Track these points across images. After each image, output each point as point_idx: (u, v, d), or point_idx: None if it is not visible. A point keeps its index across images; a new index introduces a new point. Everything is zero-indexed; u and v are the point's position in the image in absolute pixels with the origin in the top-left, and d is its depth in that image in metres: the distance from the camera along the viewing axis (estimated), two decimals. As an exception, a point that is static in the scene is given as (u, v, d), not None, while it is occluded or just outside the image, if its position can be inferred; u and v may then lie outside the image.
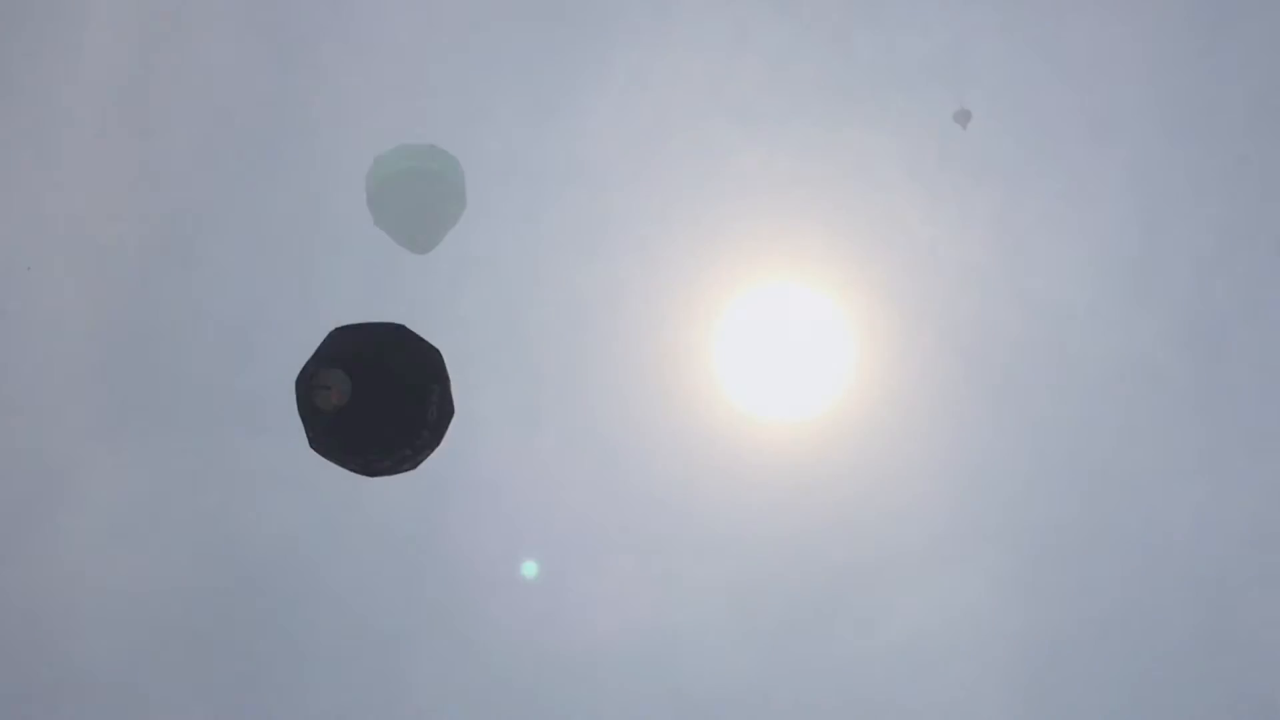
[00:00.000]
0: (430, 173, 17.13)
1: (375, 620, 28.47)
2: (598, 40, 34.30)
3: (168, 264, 30.24)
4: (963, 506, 30.13)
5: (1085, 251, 33.58)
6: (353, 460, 9.50)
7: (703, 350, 32.62)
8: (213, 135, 30.91)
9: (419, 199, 17.26)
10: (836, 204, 34.49)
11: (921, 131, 33.87)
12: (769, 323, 33.53)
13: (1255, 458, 30.31)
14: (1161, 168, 33.63)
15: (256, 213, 29.81)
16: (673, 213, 34.50)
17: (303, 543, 28.65)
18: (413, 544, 29.63)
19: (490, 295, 29.58)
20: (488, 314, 29.67)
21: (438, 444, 9.69)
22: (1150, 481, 30.90)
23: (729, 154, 35.27)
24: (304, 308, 28.67)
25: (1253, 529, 29.39)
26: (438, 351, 9.39)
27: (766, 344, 33.32)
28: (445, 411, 9.54)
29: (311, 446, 9.32)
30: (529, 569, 28.55)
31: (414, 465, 9.95)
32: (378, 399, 9.23)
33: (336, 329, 9.25)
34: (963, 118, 27.70)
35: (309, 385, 9.08)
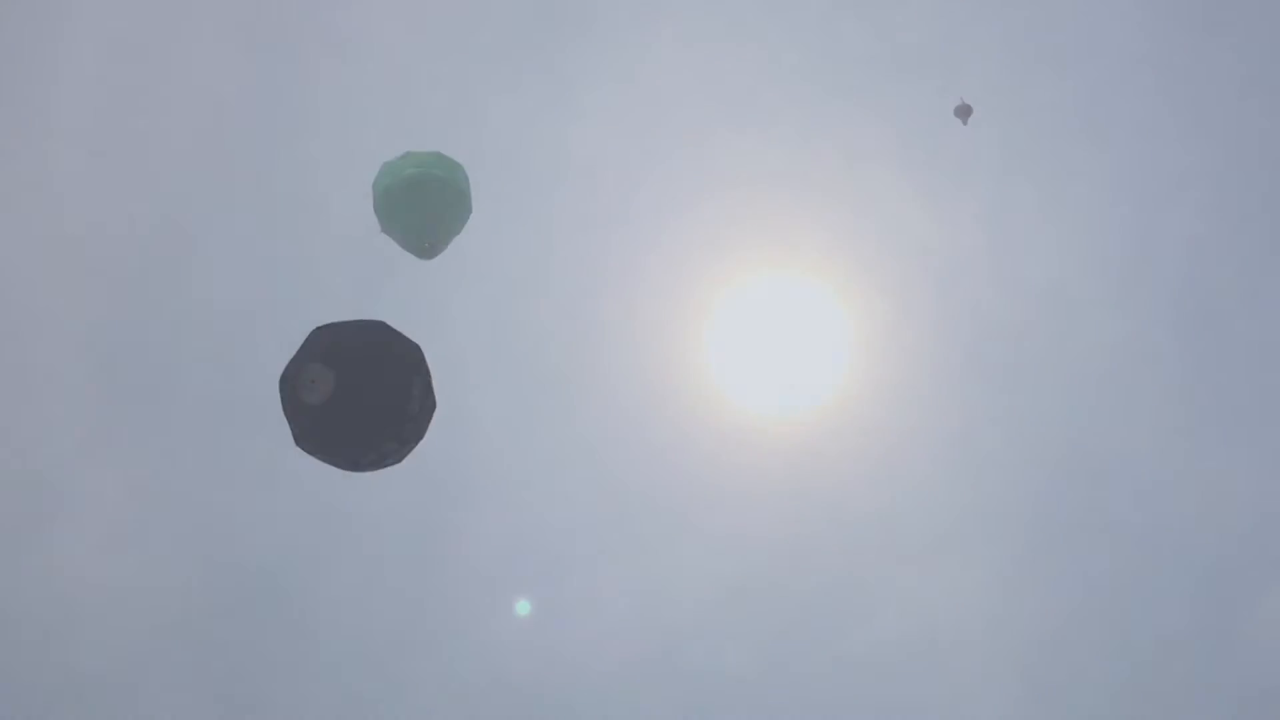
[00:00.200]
0: (436, 179, 17.28)
1: (374, 621, 28.74)
2: (584, 38, 34.58)
3: (170, 268, 30.47)
4: (962, 499, 30.43)
5: (1079, 237, 33.93)
6: (338, 456, 9.73)
7: (699, 348, 32.92)
8: (213, 139, 31.14)
9: (425, 206, 17.45)
10: (832, 198, 34.81)
11: (914, 121, 34.20)
12: (766, 318, 33.81)
13: (1256, 445, 30.61)
14: (1154, 149, 34.00)
15: (261, 221, 30.08)
16: (668, 210, 34.75)
17: (301, 544, 28.92)
18: (413, 545, 29.87)
19: (491, 298, 29.87)
20: (488, 316, 29.96)
21: (421, 437, 9.98)
22: (1151, 469, 31.20)
23: (724, 149, 35.54)
24: (312, 314, 28.94)
25: (1255, 515, 29.66)
26: (418, 346, 9.70)
27: (762, 340, 33.58)
28: (427, 404, 9.79)
29: (297, 444, 9.59)
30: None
31: (399, 459, 10.22)
32: (360, 394, 9.42)
33: (318, 328, 9.53)
34: (963, 113, 27.92)
35: (295, 381, 9.36)
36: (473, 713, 28.16)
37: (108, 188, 30.59)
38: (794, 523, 30.28)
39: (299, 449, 10.16)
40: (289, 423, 9.90)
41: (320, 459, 10.13)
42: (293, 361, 9.86)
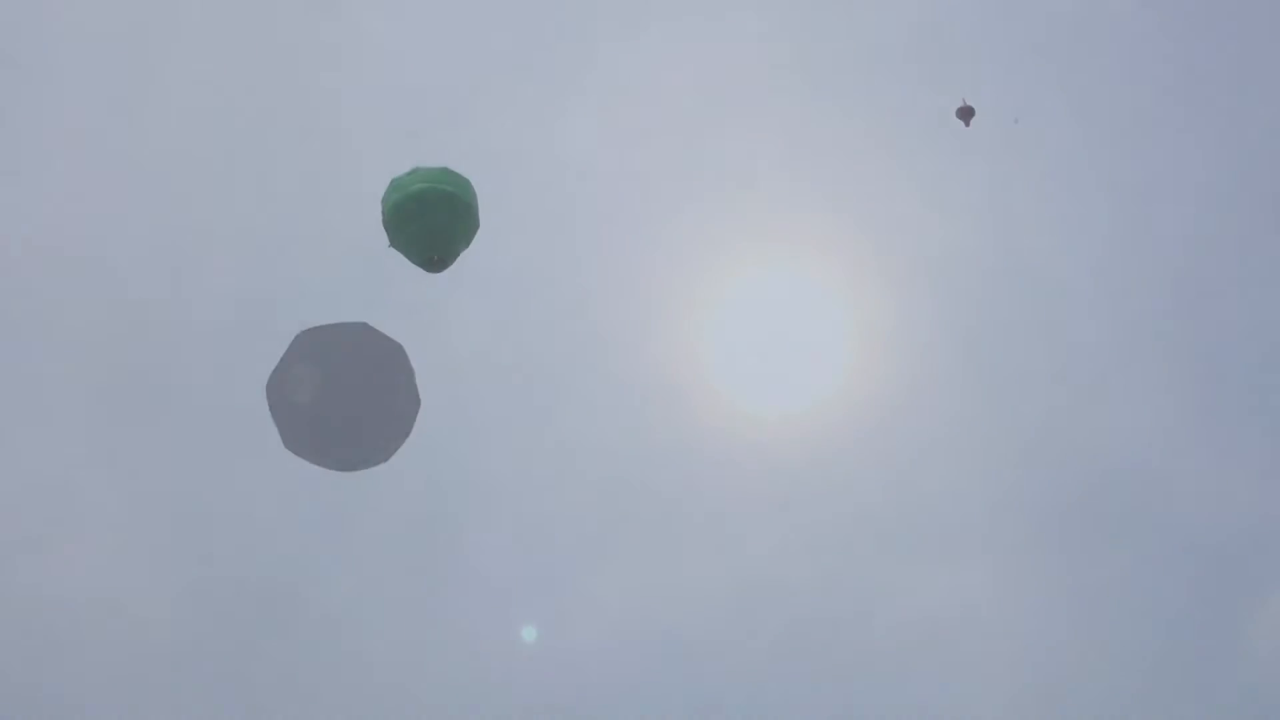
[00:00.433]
0: (444, 194, 17.31)
1: (376, 623, 28.66)
2: (574, 39, 34.39)
3: (175, 275, 30.29)
4: (966, 499, 30.42)
5: (1077, 225, 33.86)
6: (326, 456, 9.74)
7: (701, 350, 32.81)
8: (220, 151, 30.95)
9: (433, 220, 17.45)
10: (832, 198, 34.70)
11: (908, 114, 34.06)
12: (768, 318, 33.71)
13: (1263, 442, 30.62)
14: (1149, 134, 33.93)
15: (271, 234, 29.93)
16: (667, 211, 34.61)
17: (301, 550, 28.81)
18: (415, 546, 29.78)
19: (495, 307, 29.75)
20: (494, 325, 29.85)
21: (407, 434, 9.98)
22: (1152, 459, 31.21)
23: (721, 146, 35.39)
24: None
25: (1262, 508, 29.70)
26: (400, 346, 9.74)
27: (764, 339, 33.50)
28: (411, 403, 9.82)
29: (286, 446, 9.59)
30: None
31: (385, 457, 10.23)
32: (345, 394, 9.47)
33: (302, 331, 9.53)
34: (965, 114, 27.86)
35: (281, 385, 9.36)
36: (475, 715, 28.14)
37: (109, 191, 30.40)
38: (797, 525, 30.28)
39: (288, 451, 10.12)
40: (277, 425, 9.88)
41: (309, 460, 10.10)
42: (279, 365, 9.84)
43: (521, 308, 31.15)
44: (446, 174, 17.72)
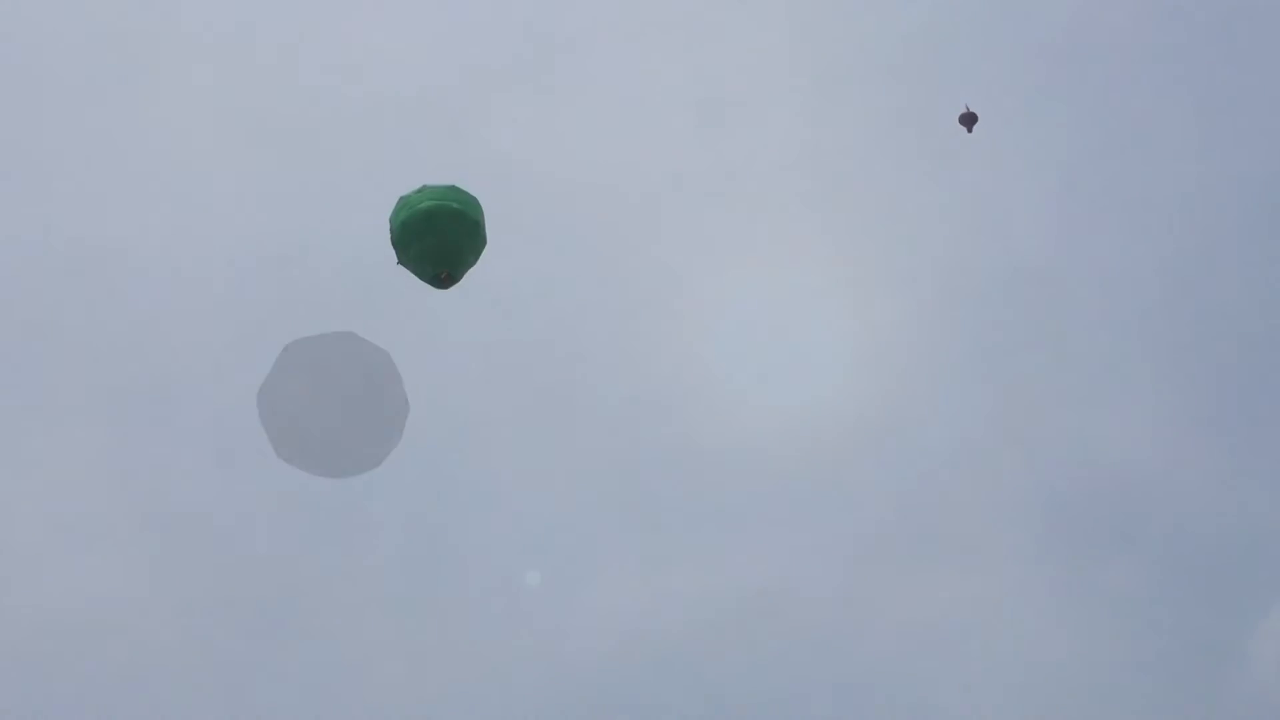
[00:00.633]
0: (452, 212, 17.41)
1: (378, 632, 28.70)
2: (567, 50, 34.40)
3: (179, 282, 30.24)
4: (974, 506, 30.45)
5: (1079, 230, 33.88)
6: (319, 464, 9.83)
7: (703, 355, 32.79)
8: (227, 164, 30.90)
9: (441, 238, 17.56)
10: (831, 199, 34.69)
11: (909, 119, 34.07)
12: (767, 323, 33.71)
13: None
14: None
15: (280, 252, 29.91)
16: (670, 214, 34.60)
17: (302, 553, 28.82)
18: (417, 547, 29.79)
19: (499, 320, 29.73)
20: (498, 339, 29.84)
21: (398, 440, 10.08)
22: (1158, 466, 31.27)
23: (723, 152, 35.36)
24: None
25: (1269, 515, 29.74)
26: (387, 353, 9.86)
27: (764, 344, 33.49)
28: (401, 409, 9.92)
29: (278, 455, 9.67)
30: (533, 579, 28.84)
31: (376, 463, 10.32)
32: (335, 402, 9.59)
33: (290, 343, 9.64)
34: (968, 120, 27.81)
35: (271, 395, 9.44)
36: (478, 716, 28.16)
37: (112, 201, 30.33)
38: (799, 530, 30.29)
39: (280, 459, 10.22)
40: (268, 435, 10.00)
41: (301, 468, 10.22)
42: (268, 377, 9.93)
43: (524, 317, 31.13)
44: (454, 191, 18.17)
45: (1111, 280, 33.11)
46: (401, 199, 18.17)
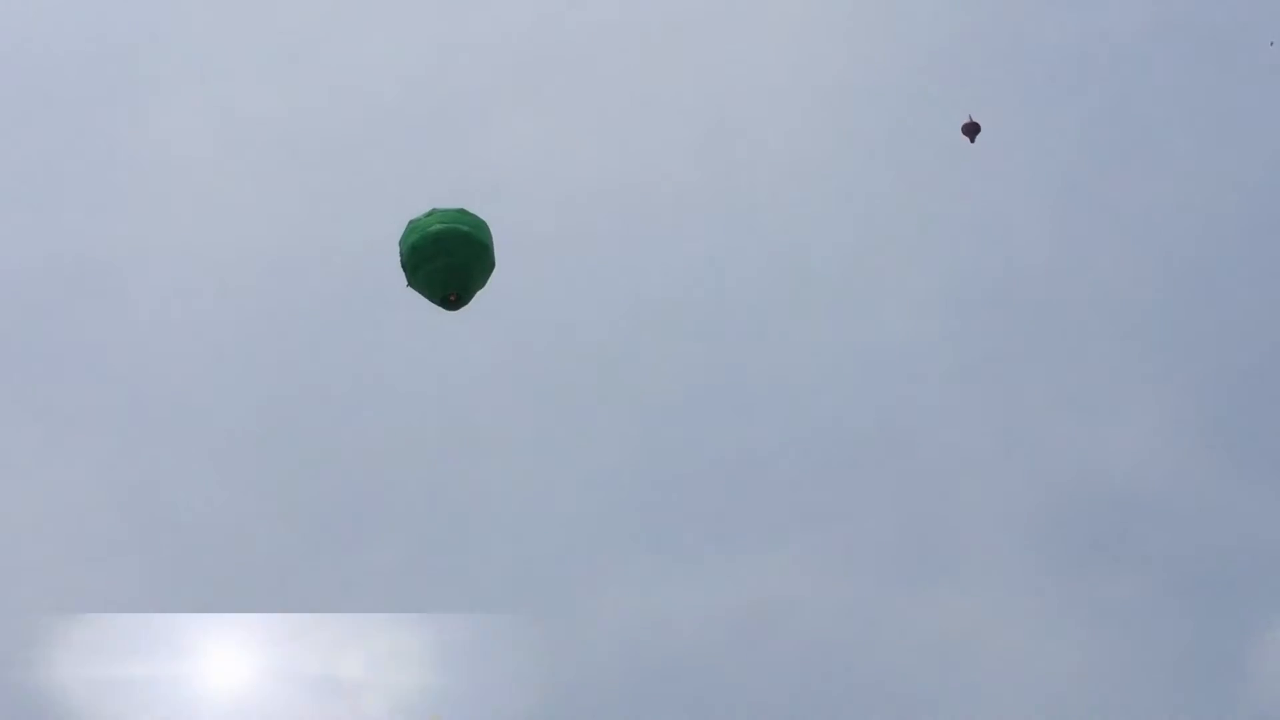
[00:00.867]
0: (460, 235, 17.58)
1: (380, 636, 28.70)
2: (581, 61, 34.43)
3: (190, 295, 30.32)
4: (975, 520, 30.45)
5: (1081, 243, 33.90)
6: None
7: (705, 362, 32.79)
8: (236, 181, 30.95)
9: (450, 260, 17.74)
10: (833, 207, 34.68)
11: (911, 127, 34.08)
12: (770, 331, 33.69)
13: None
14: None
15: (293, 274, 29.92)
16: (673, 217, 34.58)
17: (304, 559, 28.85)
18: (421, 549, 29.81)
19: (511, 339, 29.77)
20: (511, 358, 29.89)
21: None
22: (1161, 483, 31.26)
23: (725, 159, 35.37)
24: (343, 361, 28.95)
25: (1271, 531, 29.73)
26: None
27: (768, 355, 33.45)
28: None
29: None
30: None
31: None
32: None
33: None
34: (971, 130, 27.82)
35: None
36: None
37: (114, 212, 30.37)
38: (803, 536, 30.31)
39: None
40: None
41: None
42: None
43: (533, 332, 31.07)
44: (463, 215, 18.31)
45: (1113, 293, 33.17)
46: (411, 223, 18.38)
